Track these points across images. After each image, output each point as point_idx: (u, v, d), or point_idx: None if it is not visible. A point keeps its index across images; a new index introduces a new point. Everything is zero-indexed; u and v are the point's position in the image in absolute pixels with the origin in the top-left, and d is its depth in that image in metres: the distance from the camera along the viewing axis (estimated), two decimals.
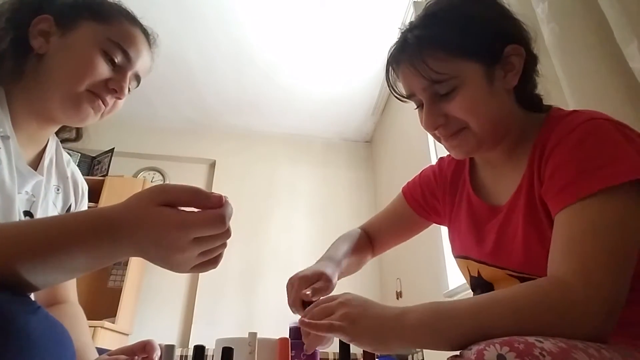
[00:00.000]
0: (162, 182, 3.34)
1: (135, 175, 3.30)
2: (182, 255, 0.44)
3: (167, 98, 3.16)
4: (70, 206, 0.81)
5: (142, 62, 0.74)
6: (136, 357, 0.69)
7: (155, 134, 3.43)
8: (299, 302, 0.68)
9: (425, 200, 0.88)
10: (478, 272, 0.71)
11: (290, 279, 0.72)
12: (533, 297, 0.46)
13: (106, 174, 2.99)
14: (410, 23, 0.68)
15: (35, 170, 0.70)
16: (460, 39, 0.61)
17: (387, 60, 0.69)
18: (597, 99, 0.90)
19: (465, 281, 0.78)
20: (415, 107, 0.70)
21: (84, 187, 0.85)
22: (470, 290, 0.76)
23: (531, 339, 0.39)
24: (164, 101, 3.19)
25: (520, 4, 1.13)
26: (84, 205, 0.85)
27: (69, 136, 0.83)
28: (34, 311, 0.37)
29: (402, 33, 0.68)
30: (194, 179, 3.41)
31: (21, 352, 0.34)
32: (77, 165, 3.11)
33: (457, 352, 0.45)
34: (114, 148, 3.11)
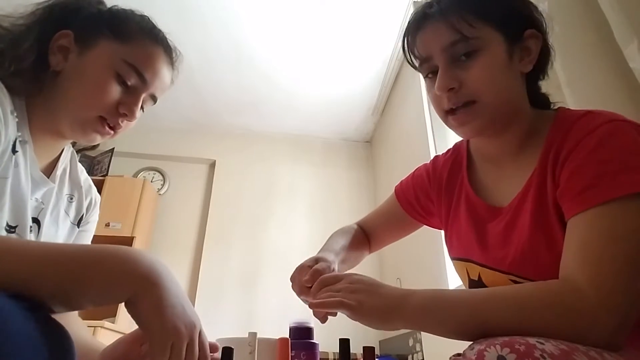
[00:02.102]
0: (162, 182, 3.34)
1: (135, 175, 3.30)
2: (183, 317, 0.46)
3: (167, 98, 3.13)
4: (82, 216, 0.80)
5: (160, 82, 0.72)
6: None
7: (155, 134, 3.42)
8: (305, 290, 0.68)
9: (419, 203, 0.86)
10: (479, 275, 0.69)
11: (292, 275, 0.73)
12: (542, 298, 0.45)
13: (106, 174, 2.99)
14: None
15: (48, 178, 0.70)
16: (489, 5, 0.62)
17: (410, 22, 0.68)
18: (597, 99, 0.90)
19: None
20: (425, 74, 0.68)
21: (96, 198, 0.84)
22: None
23: (532, 340, 0.39)
24: (164, 101, 3.15)
25: None
26: (94, 216, 0.84)
27: (86, 144, 0.82)
28: (34, 313, 0.37)
29: (427, 2, 0.67)
30: (194, 179, 3.42)
31: (19, 354, 0.33)
32: None
33: (460, 351, 0.45)
34: (114, 148, 3.11)
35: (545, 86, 0.71)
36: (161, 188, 3.32)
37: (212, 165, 3.47)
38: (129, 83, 0.67)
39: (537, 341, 0.39)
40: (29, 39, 0.64)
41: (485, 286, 0.68)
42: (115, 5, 0.72)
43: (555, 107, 0.69)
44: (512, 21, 0.62)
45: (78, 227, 0.79)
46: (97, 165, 3.13)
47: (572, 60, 0.97)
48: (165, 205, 3.25)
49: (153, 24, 0.73)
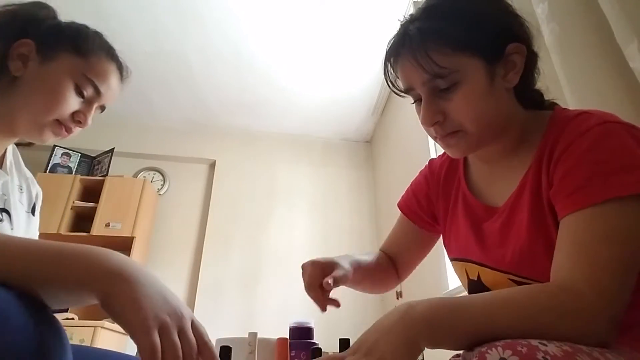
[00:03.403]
0: (162, 182, 3.35)
1: (135, 175, 3.30)
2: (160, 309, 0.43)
3: (167, 98, 3.16)
4: (34, 204, 0.86)
5: (111, 94, 0.80)
6: None
7: (155, 134, 3.43)
8: (315, 286, 0.67)
9: (423, 210, 0.84)
10: (478, 275, 0.69)
11: (303, 265, 0.72)
12: (550, 307, 0.45)
13: (106, 174, 2.99)
14: (411, 16, 0.65)
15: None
16: (464, 34, 0.59)
17: (386, 53, 0.67)
18: (597, 99, 0.90)
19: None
20: (413, 101, 0.68)
21: (39, 190, 0.89)
22: (467, 294, 0.73)
23: (534, 342, 0.38)
24: (164, 101, 3.19)
25: (520, 4, 1.12)
26: (40, 203, 0.89)
27: (21, 141, 0.87)
28: (30, 306, 0.38)
29: (402, 25, 0.66)
30: (194, 179, 3.42)
31: (19, 346, 0.34)
32: (77, 165, 3.09)
33: (460, 351, 0.44)
34: (114, 148, 3.11)
35: (543, 81, 0.70)
36: (161, 188, 3.32)
37: (212, 165, 3.47)
38: (85, 94, 0.75)
39: (539, 342, 0.38)
40: None
41: (484, 286, 0.68)
42: (73, 22, 0.79)
43: (551, 104, 0.69)
44: (490, 43, 0.60)
45: (33, 215, 0.85)
46: (97, 166, 3.13)
47: (572, 61, 0.97)
48: (165, 205, 3.25)
49: (108, 42, 0.80)
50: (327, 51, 2.75)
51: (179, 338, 0.43)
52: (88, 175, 3.04)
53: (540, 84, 0.70)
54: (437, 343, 0.45)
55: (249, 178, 3.41)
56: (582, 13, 0.98)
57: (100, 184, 2.89)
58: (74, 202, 2.80)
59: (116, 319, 0.42)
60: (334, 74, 2.95)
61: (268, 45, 2.70)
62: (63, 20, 0.79)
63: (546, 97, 0.70)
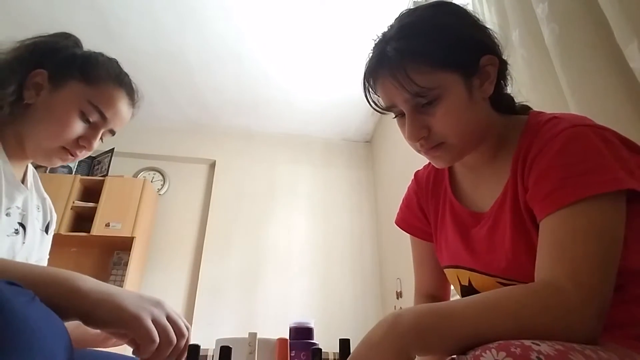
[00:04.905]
0: (162, 182, 3.35)
1: (135, 175, 3.30)
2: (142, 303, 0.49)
3: (168, 98, 3.16)
4: (48, 223, 0.90)
5: (119, 119, 0.83)
6: None
7: (155, 134, 3.43)
8: None
9: (421, 221, 0.85)
10: (469, 280, 0.70)
11: None
12: (532, 303, 0.46)
13: (106, 174, 2.99)
14: (384, 34, 0.67)
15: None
16: (442, 52, 0.60)
17: (365, 73, 0.69)
18: (597, 99, 0.90)
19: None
20: (394, 116, 0.70)
21: (52, 211, 0.93)
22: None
23: (527, 343, 0.39)
24: (164, 101, 3.19)
25: (520, 4, 1.12)
26: (54, 224, 0.93)
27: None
28: (31, 300, 0.39)
29: (377, 45, 0.67)
30: (194, 179, 3.42)
31: (21, 336, 0.35)
32: (77, 166, 3.10)
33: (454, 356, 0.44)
34: (114, 148, 3.11)
35: (514, 86, 0.73)
36: (161, 188, 3.32)
37: (212, 165, 3.47)
38: (91, 120, 0.77)
39: (532, 343, 0.39)
40: (12, 79, 0.73)
41: (475, 290, 0.69)
42: (88, 50, 0.83)
43: (523, 106, 0.71)
44: (466, 58, 0.62)
45: (46, 234, 0.89)
46: (97, 166, 3.13)
47: (572, 61, 0.97)
48: (165, 205, 3.25)
49: (120, 69, 0.84)
50: (327, 51, 2.75)
51: (168, 322, 0.51)
52: (88, 175, 3.04)
53: (511, 89, 0.72)
54: (427, 351, 0.45)
55: (249, 178, 3.41)
56: (582, 13, 0.98)
57: (100, 184, 2.89)
58: (74, 202, 2.80)
59: (107, 326, 0.47)
60: (334, 74, 2.94)
61: (268, 45, 2.70)
62: (80, 42, 0.83)
63: (517, 101, 0.73)
